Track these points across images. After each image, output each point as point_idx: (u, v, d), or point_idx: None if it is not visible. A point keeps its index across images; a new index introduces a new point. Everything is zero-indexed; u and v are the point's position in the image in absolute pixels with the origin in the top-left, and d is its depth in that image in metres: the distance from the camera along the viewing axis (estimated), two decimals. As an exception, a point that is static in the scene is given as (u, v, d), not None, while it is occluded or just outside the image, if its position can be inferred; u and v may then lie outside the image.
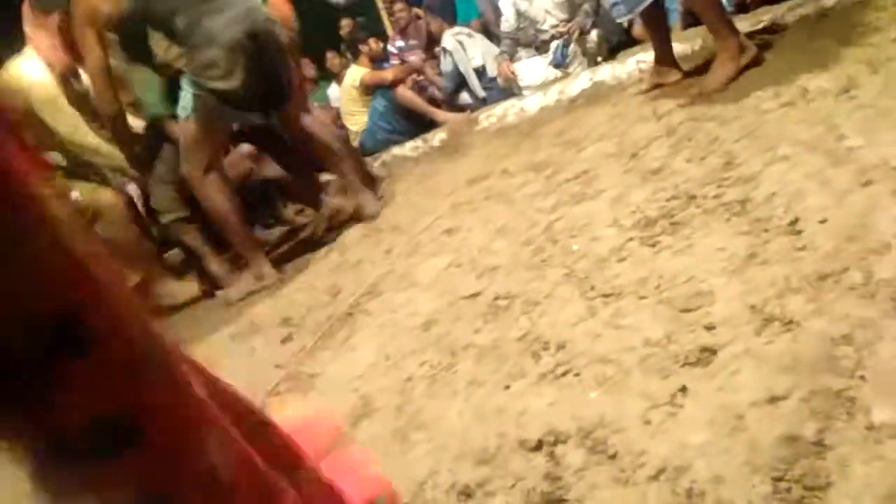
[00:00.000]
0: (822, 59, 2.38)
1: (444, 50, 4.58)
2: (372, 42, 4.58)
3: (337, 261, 2.82)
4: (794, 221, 1.51)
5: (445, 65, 4.61)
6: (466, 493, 1.19)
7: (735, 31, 2.68)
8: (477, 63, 4.47)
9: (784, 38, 2.83)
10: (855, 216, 1.42)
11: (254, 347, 2.33)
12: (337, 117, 4.65)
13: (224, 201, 2.87)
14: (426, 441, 1.39)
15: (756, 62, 2.62)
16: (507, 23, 4.17)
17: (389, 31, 5.27)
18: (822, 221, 1.46)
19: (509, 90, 4.18)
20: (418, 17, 5.10)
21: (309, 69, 4.39)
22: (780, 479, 0.95)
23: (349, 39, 4.78)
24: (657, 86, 2.95)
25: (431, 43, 5.02)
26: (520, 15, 4.14)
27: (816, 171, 1.66)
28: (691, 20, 3.76)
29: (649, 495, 1.02)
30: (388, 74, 4.54)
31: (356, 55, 4.81)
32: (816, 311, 1.22)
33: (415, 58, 4.85)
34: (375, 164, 4.37)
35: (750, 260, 1.45)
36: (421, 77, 4.85)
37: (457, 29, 4.62)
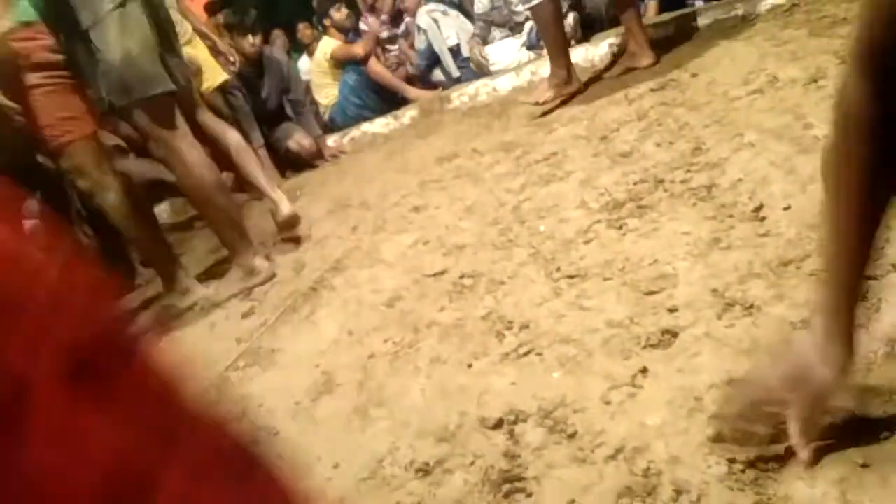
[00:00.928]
0: (792, 49, 2.40)
1: (419, 27, 4.52)
2: (334, 12, 4.46)
3: (302, 234, 2.78)
4: (759, 208, 1.52)
5: (419, 42, 4.55)
6: (425, 469, 1.18)
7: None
8: (452, 42, 4.43)
9: (755, 27, 2.85)
10: (818, 204, 1.43)
11: (214, 322, 2.29)
12: (307, 90, 4.56)
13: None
14: (387, 418, 1.38)
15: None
16: (481, 4, 4.12)
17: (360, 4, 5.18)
18: (786, 208, 1.48)
19: (481, 73, 4.14)
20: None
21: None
22: (734, 461, 0.96)
23: (321, 12, 4.68)
24: (629, 69, 2.95)
25: (399, 16, 4.94)
26: (494, -5, 4.10)
27: (782, 158, 1.67)
28: (667, 4, 3.77)
29: (606, 474, 1.03)
30: (358, 49, 4.46)
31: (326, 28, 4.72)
32: (777, 297, 1.23)
33: (377, 25, 4.78)
34: (344, 140, 4.32)
35: (714, 245, 1.46)
36: (395, 50, 4.79)
37: (432, 6, 4.55)
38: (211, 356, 1.99)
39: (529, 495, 1.05)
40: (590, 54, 3.41)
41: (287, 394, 1.62)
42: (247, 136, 3.30)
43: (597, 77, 3.15)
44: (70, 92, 2.32)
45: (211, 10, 4.21)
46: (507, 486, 1.07)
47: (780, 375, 0.91)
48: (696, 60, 2.70)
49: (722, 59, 2.61)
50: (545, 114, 2.87)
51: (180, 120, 2.28)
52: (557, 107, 2.89)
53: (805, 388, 0.88)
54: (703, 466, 0.97)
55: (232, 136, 2.64)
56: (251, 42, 4.07)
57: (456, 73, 4.42)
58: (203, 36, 3.61)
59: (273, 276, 2.41)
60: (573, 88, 2.95)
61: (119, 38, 2.12)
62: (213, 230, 2.52)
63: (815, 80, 2.03)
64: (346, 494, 1.21)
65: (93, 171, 2.36)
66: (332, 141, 4.25)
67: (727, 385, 1.07)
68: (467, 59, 4.29)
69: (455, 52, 4.38)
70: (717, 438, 0.98)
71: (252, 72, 4.07)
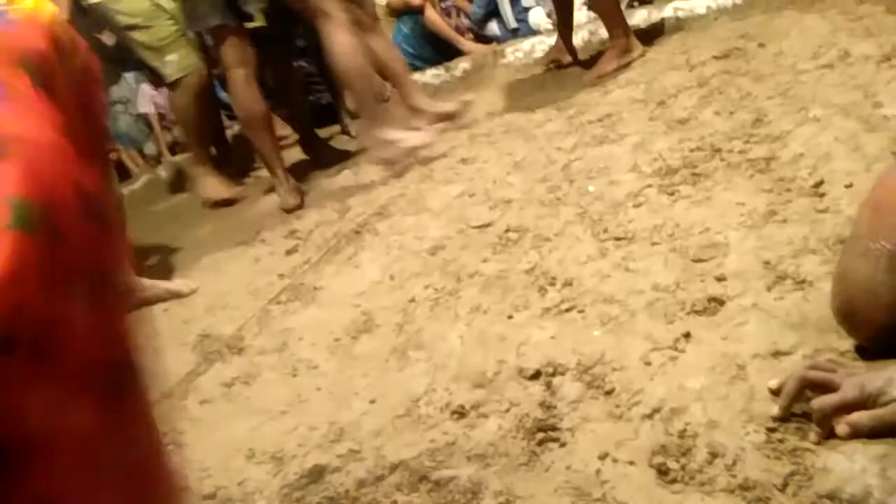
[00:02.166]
0: (867, 25, 2.30)
1: (479, -27, 4.42)
2: None
3: (348, 179, 2.79)
4: (819, 183, 1.48)
5: (479, -11, 4.46)
6: (461, 412, 1.20)
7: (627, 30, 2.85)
8: (513, -10, 4.31)
9: (830, 0, 2.73)
10: (882, 184, 1.40)
11: (258, 257, 2.33)
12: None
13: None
14: (424, 360, 1.40)
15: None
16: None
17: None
18: (848, 186, 1.44)
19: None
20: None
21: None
22: (774, 430, 0.96)
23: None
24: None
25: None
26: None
27: (848, 135, 1.62)
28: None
29: (641, 432, 1.04)
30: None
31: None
32: (831, 274, 1.21)
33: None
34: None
35: (769, 217, 1.44)
36: (448, 2, 4.70)
37: (494, -48, 4.44)
38: (254, 289, 2.04)
39: (563, 445, 1.06)
40: (652, 17, 3.32)
41: (327, 330, 1.66)
42: None
43: (658, 41, 3.07)
44: None
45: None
46: (540, 435, 1.09)
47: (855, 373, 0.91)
48: (765, 30, 2.61)
49: (791, 30, 2.51)
50: (600, 77, 2.82)
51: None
52: (616, 70, 2.83)
53: (868, 386, 0.88)
54: (741, 433, 0.97)
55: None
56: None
57: (513, 24, 4.32)
58: None
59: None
60: (636, 55, 2.86)
61: None
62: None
63: (889, 59, 1.95)
64: (381, 429, 1.24)
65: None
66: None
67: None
68: (526, 10, 4.19)
69: (514, 1, 4.27)
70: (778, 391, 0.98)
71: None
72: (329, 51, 2.55)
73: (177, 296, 2.16)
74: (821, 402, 0.92)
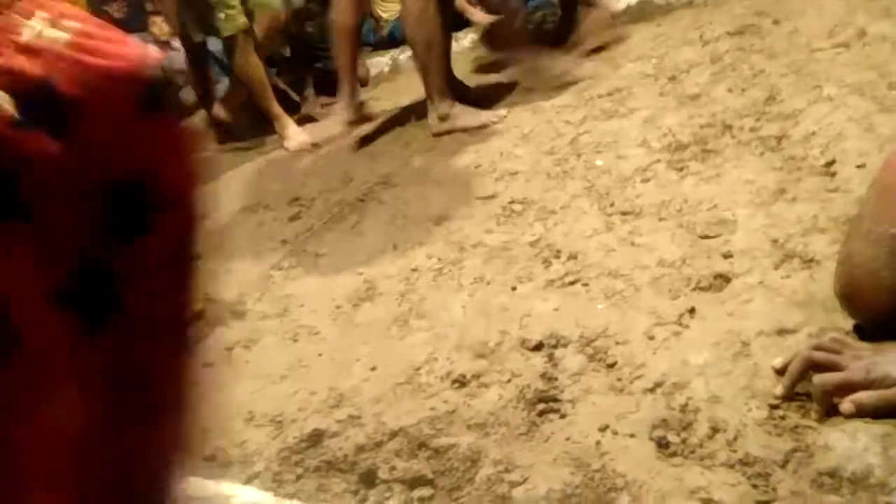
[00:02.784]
0: (885, 5, 2.25)
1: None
2: None
3: (352, 148, 2.77)
4: (831, 163, 1.46)
5: (491, -43, 4.38)
6: (461, 381, 1.20)
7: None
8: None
9: (848, -22, 2.69)
10: (895, 165, 1.38)
11: (262, 222, 2.32)
12: (368, 3, 4.46)
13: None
14: (426, 329, 1.40)
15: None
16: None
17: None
18: (860, 166, 1.42)
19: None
20: None
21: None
22: (776, 407, 0.95)
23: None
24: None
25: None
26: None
27: (861, 115, 1.60)
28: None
29: (643, 405, 1.03)
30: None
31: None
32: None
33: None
34: (401, 57, 4.24)
35: (778, 195, 1.42)
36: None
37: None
38: (257, 254, 2.03)
39: (563, 416, 1.06)
40: (666, -8, 3.26)
41: (328, 297, 1.65)
42: None
43: (672, 16, 3.02)
44: None
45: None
46: (541, 406, 1.09)
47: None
48: (780, 7, 2.56)
49: (808, 8, 2.47)
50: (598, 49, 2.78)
51: None
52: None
53: (874, 371, 0.88)
54: (744, 409, 0.97)
55: None
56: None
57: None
58: None
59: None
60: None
61: None
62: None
63: (907, 39, 1.92)
64: (382, 396, 1.24)
65: None
66: (389, 57, 4.19)
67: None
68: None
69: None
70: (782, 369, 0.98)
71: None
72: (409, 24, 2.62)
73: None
74: (822, 378, 0.91)
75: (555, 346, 1.21)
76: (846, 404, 0.88)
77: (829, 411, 0.91)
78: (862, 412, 0.88)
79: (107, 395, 0.46)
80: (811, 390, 0.93)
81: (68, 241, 0.41)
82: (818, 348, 0.95)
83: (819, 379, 0.92)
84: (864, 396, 0.88)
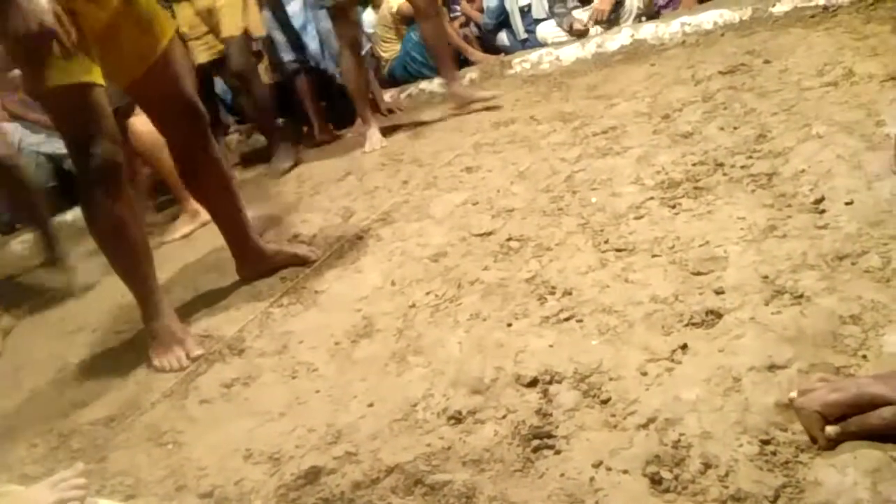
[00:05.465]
0: (872, 44, 2.31)
1: (492, -18, 4.42)
2: None
3: (353, 185, 2.81)
4: (820, 200, 1.49)
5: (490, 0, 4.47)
6: (457, 418, 1.21)
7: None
8: (524, 1, 4.32)
9: (836, 19, 2.75)
10: (883, 202, 1.41)
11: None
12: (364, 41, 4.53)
13: None
14: (423, 366, 1.41)
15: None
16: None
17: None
18: (848, 203, 1.45)
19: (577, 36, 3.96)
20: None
21: None
22: (767, 442, 0.96)
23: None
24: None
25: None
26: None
27: (850, 153, 1.63)
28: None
29: (636, 441, 1.04)
30: (426, 6, 4.42)
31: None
32: (828, 289, 1.22)
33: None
34: (402, 96, 4.32)
35: (769, 232, 1.45)
36: (457, 13, 4.72)
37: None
38: (255, 291, 2.05)
39: (558, 452, 1.07)
40: (660, 31, 3.34)
41: (327, 334, 1.67)
42: None
43: (664, 55, 3.09)
44: None
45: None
46: (536, 442, 1.10)
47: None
48: (771, 47, 2.63)
49: (797, 48, 2.53)
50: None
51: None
52: None
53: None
54: (735, 444, 0.98)
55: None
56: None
57: (523, 35, 4.33)
58: None
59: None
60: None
61: None
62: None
63: (894, 78, 1.97)
64: (379, 433, 1.25)
65: None
66: (388, 96, 4.26)
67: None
68: (536, 22, 4.20)
69: (525, 12, 4.28)
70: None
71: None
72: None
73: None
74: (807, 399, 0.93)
75: (549, 382, 1.22)
76: (829, 430, 0.90)
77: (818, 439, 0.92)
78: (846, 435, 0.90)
79: None
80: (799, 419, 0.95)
81: None
82: (803, 392, 0.96)
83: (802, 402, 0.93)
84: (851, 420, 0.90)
